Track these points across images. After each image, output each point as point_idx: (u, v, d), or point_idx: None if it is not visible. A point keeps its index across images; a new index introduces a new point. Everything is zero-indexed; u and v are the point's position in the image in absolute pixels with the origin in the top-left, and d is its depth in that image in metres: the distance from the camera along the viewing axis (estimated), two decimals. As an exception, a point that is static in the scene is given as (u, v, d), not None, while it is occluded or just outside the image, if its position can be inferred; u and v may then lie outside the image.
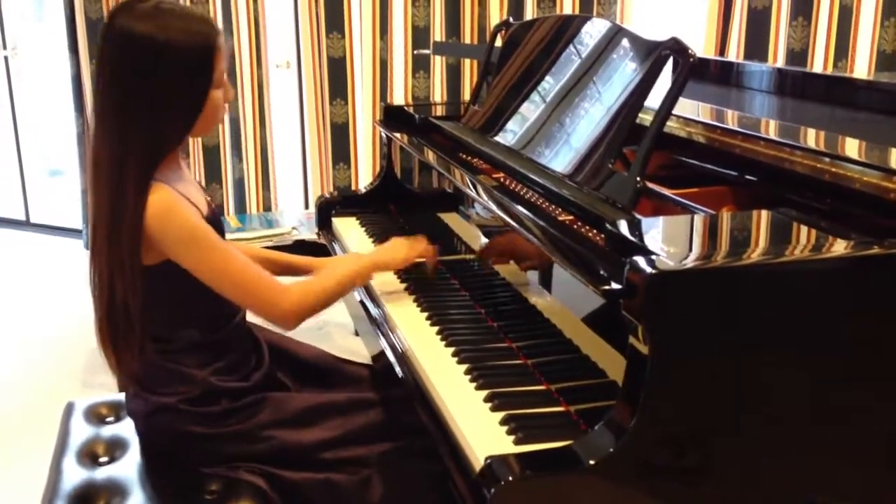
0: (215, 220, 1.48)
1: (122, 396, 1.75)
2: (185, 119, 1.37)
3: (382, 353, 1.54)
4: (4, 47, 4.50)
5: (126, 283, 1.33)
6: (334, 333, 3.10)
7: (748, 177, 1.52)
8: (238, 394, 1.46)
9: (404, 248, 1.71)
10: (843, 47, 2.97)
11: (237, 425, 1.44)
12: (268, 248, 2.98)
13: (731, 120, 1.63)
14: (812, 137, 1.45)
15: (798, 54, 3.03)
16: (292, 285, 1.48)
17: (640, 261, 1.02)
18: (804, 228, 1.17)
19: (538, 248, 1.32)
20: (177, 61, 1.32)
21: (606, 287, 1.08)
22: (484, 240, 1.72)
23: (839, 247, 1.09)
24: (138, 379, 1.48)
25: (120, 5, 1.34)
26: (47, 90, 5.09)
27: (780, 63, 3.05)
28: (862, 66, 2.94)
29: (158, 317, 1.42)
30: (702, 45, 3.24)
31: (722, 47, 3.21)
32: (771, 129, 1.52)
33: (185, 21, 1.33)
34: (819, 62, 3.02)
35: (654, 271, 1.00)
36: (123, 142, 1.32)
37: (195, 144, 3.79)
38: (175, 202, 1.34)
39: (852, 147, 1.37)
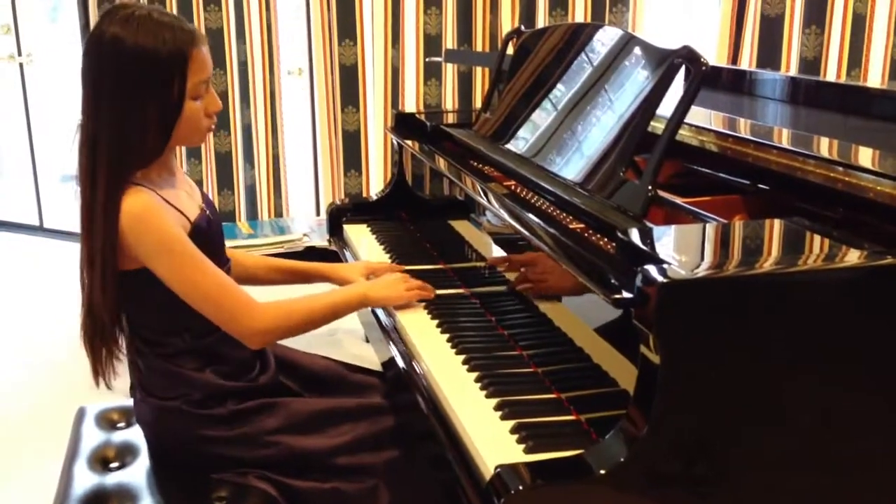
0: (207, 227, 1.47)
1: (132, 402, 1.76)
2: (158, 128, 1.35)
3: (392, 360, 1.54)
4: (20, 54, 4.54)
5: (97, 283, 1.35)
6: (344, 340, 3.10)
7: (760, 185, 1.52)
8: (243, 396, 1.46)
9: (399, 289, 1.63)
10: (856, 56, 2.96)
11: (244, 428, 1.44)
12: (279, 254, 3.02)
13: (744, 128, 1.62)
14: (825, 146, 1.45)
15: (811, 62, 3.02)
16: (269, 305, 1.44)
17: (652, 269, 1.01)
18: (816, 238, 1.16)
19: (572, 278, 1.25)
20: (144, 67, 1.31)
21: (618, 296, 1.07)
22: (503, 257, 1.70)
23: (852, 256, 1.08)
24: (141, 383, 1.49)
25: (106, 11, 1.36)
26: (61, 97, 5.12)
27: (793, 71, 3.04)
28: (875, 75, 2.93)
29: (147, 321, 1.44)
30: (714, 53, 3.23)
31: (735, 55, 3.20)
32: (783, 138, 1.51)
33: (158, 28, 1.31)
34: (832, 70, 3.00)
35: (665, 280, 1.00)
36: (95, 145, 1.34)
37: (207, 151, 3.81)
38: (151, 207, 1.33)
39: (866, 156, 1.37)
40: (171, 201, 1.39)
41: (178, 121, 1.36)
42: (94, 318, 1.39)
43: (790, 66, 3.08)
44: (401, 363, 1.50)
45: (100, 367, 1.44)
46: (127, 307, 1.43)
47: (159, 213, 1.34)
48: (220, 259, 1.53)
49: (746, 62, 3.15)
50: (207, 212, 1.50)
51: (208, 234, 1.47)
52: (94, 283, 1.36)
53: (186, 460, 1.47)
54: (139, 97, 1.32)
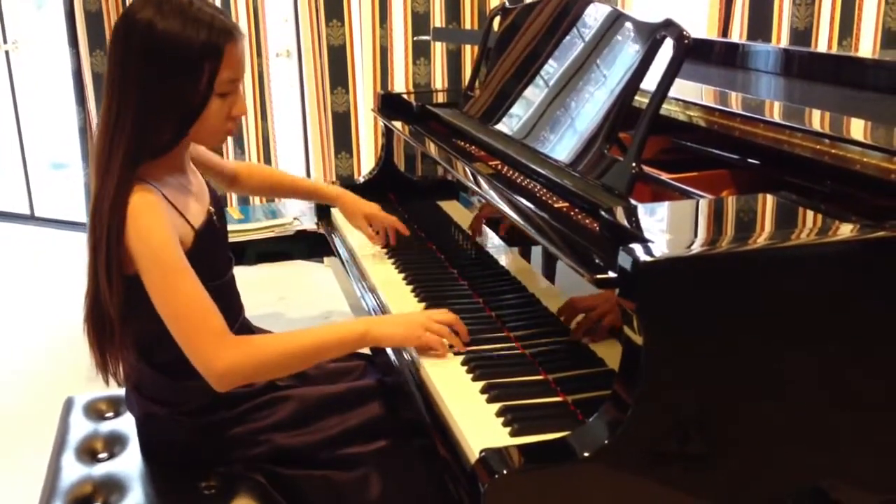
0: (211, 234, 1.40)
1: (121, 392, 1.74)
2: (179, 122, 1.29)
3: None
4: (5, 41, 4.50)
5: (103, 273, 1.27)
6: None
7: (749, 160, 1.50)
8: (235, 401, 1.43)
9: (416, 332, 1.35)
10: (847, 26, 2.92)
11: (234, 430, 1.43)
12: (269, 238, 3.00)
13: (733, 102, 1.60)
14: (815, 119, 1.42)
15: (802, 33, 2.98)
16: (241, 340, 1.30)
17: (635, 248, 1.00)
18: (805, 212, 1.14)
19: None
20: (175, 55, 1.25)
21: (601, 276, 1.06)
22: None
23: (843, 230, 1.07)
24: (133, 383, 1.45)
25: None
26: (48, 83, 5.08)
27: (784, 42, 3.00)
28: (867, 45, 2.89)
29: (139, 327, 1.35)
30: (704, 25, 3.20)
31: (725, 27, 3.16)
32: (772, 111, 1.49)
33: (195, 16, 1.26)
34: (823, 41, 2.97)
35: (648, 258, 0.98)
36: (114, 130, 1.27)
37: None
38: (154, 210, 1.27)
39: (855, 128, 1.35)
40: (178, 206, 1.33)
41: (200, 116, 1.30)
42: (101, 309, 1.30)
43: (781, 37, 3.05)
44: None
45: (103, 361, 1.35)
46: (123, 310, 1.34)
47: (160, 217, 1.27)
48: (222, 263, 1.47)
49: (737, 34, 3.11)
50: (214, 216, 1.44)
51: (212, 239, 1.41)
52: (99, 273, 1.28)
53: (174, 460, 1.46)
54: (165, 84, 1.26)
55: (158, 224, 1.26)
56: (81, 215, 4.44)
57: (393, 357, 1.45)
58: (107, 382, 1.39)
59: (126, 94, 1.26)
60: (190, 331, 1.26)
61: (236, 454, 1.43)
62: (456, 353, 1.35)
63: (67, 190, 4.91)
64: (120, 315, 1.29)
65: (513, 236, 1.69)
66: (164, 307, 1.26)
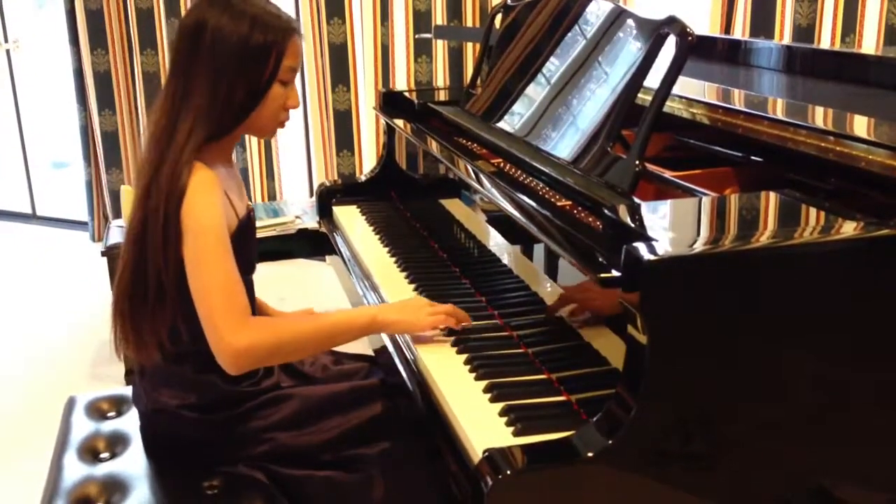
0: (249, 227, 1.46)
1: (123, 391, 1.74)
2: (242, 103, 1.36)
3: (383, 345, 1.52)
4: (6, 41, 4.49)
5: (157, 240, 1.29)
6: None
7: (753, 157, 1.49)
8: (240, 399, 1.44)
9: (420, 314, 1.40)
10: (850, 22, 2.91)
11: (239, 428, 1.43)
12: (271, 237, 2.99)
13: (736, 99, 1.59)
14: (818, 115, 1.42)
15: (805, 30, 2.97)
16: (262, 322, 1.37)
17: (639, 247, 0.99)
18: (809, 210, 1.14)
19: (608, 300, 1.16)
20: (250, 34, 1.33)
21: (605, 275, 1.05)
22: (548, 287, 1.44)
23: (846, 229, 1.06)
24: (148, 371, 1.46)
25: None
26: (49, 82, 5.07)
27: (787, 39, 2.99)
28: (870, 42, 2.88)
29: (174, 311, 1.36)
30: (707, 22, 3.19)
31: (728, 24, 3.15)
32: (776, 108, 1.48)
33: (265, 6, 1.37)
34: (826, 38, 2.96)
35: (652, 257, 0.98)
36: (180, 107, 1.33)
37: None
38: (210, 185, 1.32)
39: (859, 124, 1.34)
40: (228, 192, 1.39)
41: (262, 101, 1.37)
42: (144, 281, 1.32)
43: (784, 34, 3.04)
44: (389, 346, 1.49)
45: (136, 337, 1.36)
46: (174, 279, 1.35)
47: (217, 196, 1.33)
48: (253, 258, 1.50)
49: (740, 31, 3.10)
50: (252, 212, 1.50)
51: (249, 233, 1.46)
52: (151, 243, 1.29)
53: (177, 457, 1.46)
54: (236, 66, 1.33)
55: (214, 202, 1.32)
56: (83, 214, 4.44)
57: (394, 353, 1.45)
58: (122, 359, 1.42)
59: (195, 73, 1.33)
60: (217, 306, 1.29)
61: (240, 452, 1.43)
62: (456, 340, 1.37)
63: (68, 189, 4.90)
64: (170, 282, 1.31)
65: (515, 234, 1.68)
66: (197, 279, 1.30)
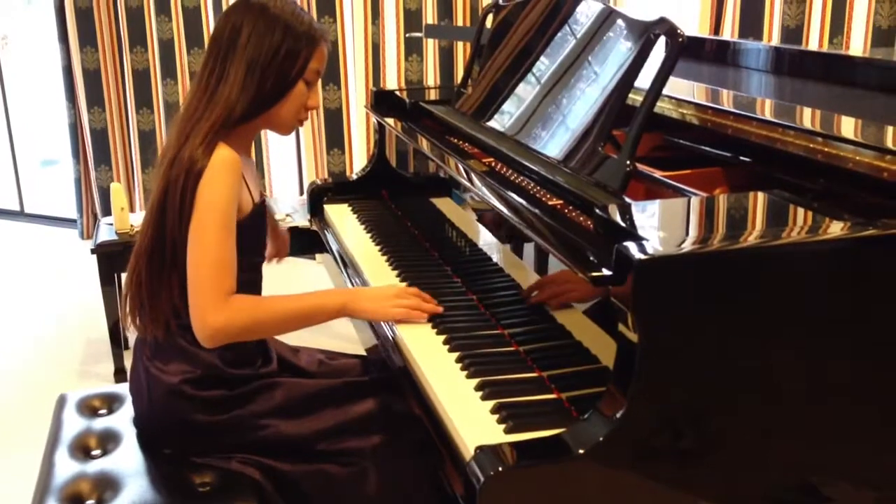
0: (262, 214, 1.54)
1: (114, 388, 1.75)
2: (269, 94, 1.44)
3: (375, 343, 1.53)
4: (-6, 37, 4.47)
5: (174, 212, 1.38)
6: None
7: (742, 158, 1.51)
8: (238, 382, 1.46)
9: (388, 304, 1.48)
10: (838, 24, 2.93)
11: (235, 411, 1.44)
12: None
13: (725, 100, 1.60)
14: (806, 117, 1.43)
15: (793, 31, 2.99)
16: (238, 300, 1.40)
17: (629, 246, 1.00)
18: (797, 210, 1.15)
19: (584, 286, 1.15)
20: (284, 33, 1.42)
21: (596, 274, 1.06)
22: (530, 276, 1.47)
23: (834, 229, 1.07)
24: (150, 350, 1.48)
25: None
26: (38, 80, 5.05)
27: (776, 40, 3.01)
28: (858, 43, 2.90)
29: (182, 284, 1.42)
30: (696, 23, 3.20)
31: (717, 25, 3.17)
32: (765, 109, 1.50)
33: (299, 11, 1.47)
34: (814, 39, 2.98)
35: (643, 256, 0.99)
36: (214, 91, 1.42)
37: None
38: (231, 165, 1.39)
39: (847, 126, 1.35)
40: (245, 176, 1.46)
41: (287, 95, 1.46)
42: (163, 246, 1.41)
43: (772, 35, 3.06)
44: (381, 344, 1.49)
45: (151, 301, 1.44)
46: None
47: (235, 177, 1.40)
48: (264, 242, 1.60)
49: (729, 32, 3.12)
50: (265, 199, 1.57)
51: (262, 218, 1.55)
52: (170, 208, 1.39)
53: (174, 442, 1.47)
54: (270, 58, 1.42)
55: (230, 183, 1.40)
56: (71, 211, 4.42)
57: (385, 351, 1.46)
58: (136, 326, 1.48)
59: (230, 64, 1.43)
60: (205, 282, 1.37)
61: (236, 438, 1.43)
62: (448, 338, 1.39)
63: (57, 186, 4.88)
64: (182, 252, 1.39)
65: (506, 233, 1.69)
66: (194, 251, 1.38)
